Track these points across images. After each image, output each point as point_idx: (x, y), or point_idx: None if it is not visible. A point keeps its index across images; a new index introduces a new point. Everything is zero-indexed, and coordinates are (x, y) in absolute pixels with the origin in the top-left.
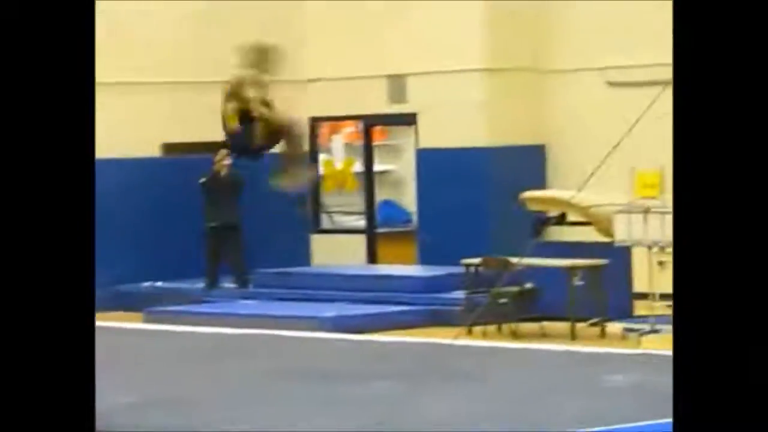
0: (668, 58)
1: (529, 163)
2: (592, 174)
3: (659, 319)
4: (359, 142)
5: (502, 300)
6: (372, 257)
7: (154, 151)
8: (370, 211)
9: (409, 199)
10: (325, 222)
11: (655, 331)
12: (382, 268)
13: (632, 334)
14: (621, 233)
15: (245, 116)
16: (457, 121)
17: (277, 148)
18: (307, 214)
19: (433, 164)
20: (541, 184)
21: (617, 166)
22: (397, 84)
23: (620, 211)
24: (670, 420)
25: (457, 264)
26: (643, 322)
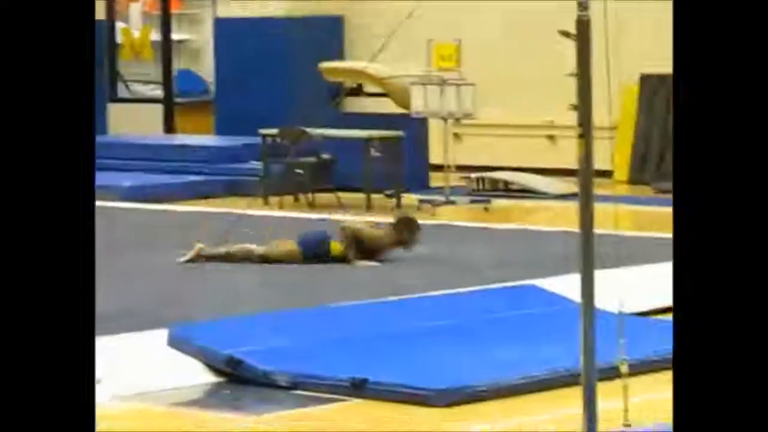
0: None
1: (327, 33)
2: (384, 44)
3: (454, 190)
4: (157, 11)
5: (299, 170)
6: (169, 127)
7: None
8: (167, 81)
9: (207, 69)
10: (122, 91)
11: (450, 203)
12: (180, 138)
13: (427, 206)
14: (417, 104)
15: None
16: None
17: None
18: (103, 82)
19: (232, 34)
20: (339, 55)
21: (414, 38)
22: None
23: (416, 83)
24: (463, 289)
25: (254, 134)
26: (438, 193)
